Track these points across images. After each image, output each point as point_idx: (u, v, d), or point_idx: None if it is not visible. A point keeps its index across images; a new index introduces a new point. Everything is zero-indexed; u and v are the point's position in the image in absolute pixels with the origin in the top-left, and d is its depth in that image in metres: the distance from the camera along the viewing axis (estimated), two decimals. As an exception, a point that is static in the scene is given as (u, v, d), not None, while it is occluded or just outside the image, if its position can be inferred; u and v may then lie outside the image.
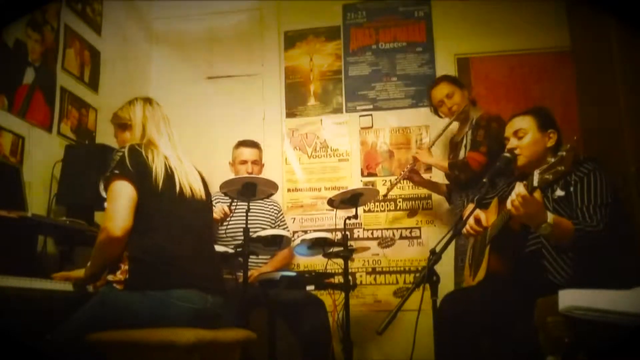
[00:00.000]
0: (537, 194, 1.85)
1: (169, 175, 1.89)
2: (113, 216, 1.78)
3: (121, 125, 2.08)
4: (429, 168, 3.44)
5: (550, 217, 1.89)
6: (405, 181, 3.50)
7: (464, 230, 2.26)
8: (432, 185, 3.38)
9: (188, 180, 1.95)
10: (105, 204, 1.78)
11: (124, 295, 1.75)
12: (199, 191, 1.99)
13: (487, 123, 2.92)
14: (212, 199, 2.21)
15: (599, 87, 2.61)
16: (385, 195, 3.39)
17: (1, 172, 2.37)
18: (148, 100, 2.08)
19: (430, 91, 3.21)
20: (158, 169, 1.86)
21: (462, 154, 3.02)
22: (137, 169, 1.82)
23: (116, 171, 1.81)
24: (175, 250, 1.83)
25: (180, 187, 1.90)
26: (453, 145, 3.23)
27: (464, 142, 3.04)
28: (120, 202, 1.79)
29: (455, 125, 3.22)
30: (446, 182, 3.27)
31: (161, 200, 1.85)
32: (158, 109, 2.07)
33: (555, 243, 2.02)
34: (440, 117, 3.22)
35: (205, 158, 3.38)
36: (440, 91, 3.12)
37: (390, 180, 3.56)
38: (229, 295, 2.04)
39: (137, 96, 2.11)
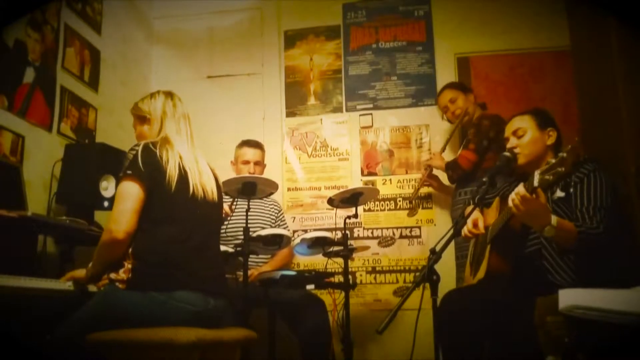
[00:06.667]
0: (541, 196, 1.84)
1: (182, 176, 1.87)
2: (118, 219, 1.77)
3: (140, 117, 2.05)
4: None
5: (554, 219, 1.87)
6: (405, 181, 3.57)
7: (463, 233, 2.27)
8: (449, 190, 3.35)
9: (201, 181, 1.93)
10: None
11: (125, 294, 1.75)
12: (211, 192, 1.97)
13: (479, 121, 3.02)
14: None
15: (599, 86, 2.60)
16: (410, 202, 3.54)
17: (1, 172, 2.37)
18: (170, 95, 2.05)
19: (436, 99, 3.37)
20: (171, 169, 1.84)
21: None
22: (149, 169, 1.81)
23: (128, 171, 1.81)
24: (180, 252, 1.82)
25: (193, 188, 1.88)
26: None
27: (464, 142, 3.12)
28: (126, 204, 1.78)
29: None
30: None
31: (171, 201, 1.83)
32: (179, 105, 2.04)
33: (558, 245, 2.02)
34: (450, 122, 3.31)
35: (204, 157, 3.37)
36: (444, 98, 3.25)
37: (396, 179, 3.61)
38: (231, 296, 2.03)
39: (159, 89, 2.09)
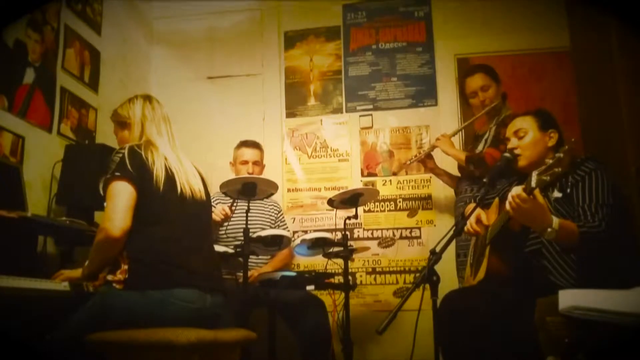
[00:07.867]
0: (540, 197, 1.84)
1: (169, 177, 1.89)
2: (112, 216, 1.77)
3: (120, 123, 2.07)
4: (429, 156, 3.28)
5: (555, 222, 1.85)
6: (405, 181, 3.56)
7: (466, 229, 2.26)
8: (443, 174, 3.28)
9: (188, 181, 1.95)
10: (105, 204, 1.78)
11: (123, 295, 1.75)
12: (199, 191, 1.99)
13: (511, 122, 2.86)
14: (212, 199, 2.20)
15: (599, 87, 2.60)
16: (395, 174, 3.49)
17: (1, 172, 2.37)
18: (148, 99, 2.07)
19: (464, 79, 3.12)
20: (158, 171, 1.85)
21: (480, 148, 2.94)
22: (137, 170, 1.82)
23: (117, 173, 1.81)
24: (175, 250, 1.83)
25: (181, 188, 1.90)
26: (474, 138, 3.15)
27: (486, 136, 2.96)
28: (119, 202, 1.79)
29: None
30: (457, 173, 3.19)
31: (161, 201, 1.85)
32: (158, 107, 2.06)
33: (559, 244, 2.01)
34: (467, 106, 3.15)
35: (205, 158, 3.39)
36: (476, 82, 3.01)
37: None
38: (229, 294, 2.04)
39: (137, 94, 2.10)
